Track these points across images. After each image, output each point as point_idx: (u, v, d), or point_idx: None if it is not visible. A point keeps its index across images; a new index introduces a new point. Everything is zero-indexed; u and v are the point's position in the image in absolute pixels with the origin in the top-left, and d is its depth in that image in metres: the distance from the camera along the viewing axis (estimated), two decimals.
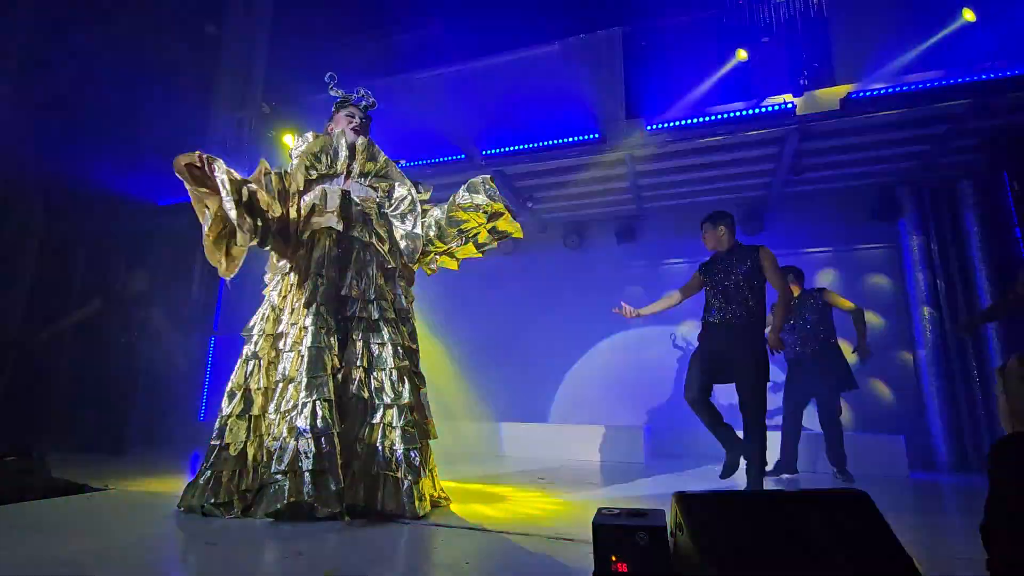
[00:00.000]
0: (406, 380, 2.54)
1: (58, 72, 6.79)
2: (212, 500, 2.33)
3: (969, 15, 3.85)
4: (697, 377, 3.44)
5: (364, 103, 3.06)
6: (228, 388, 2.53)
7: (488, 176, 2.77)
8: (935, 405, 5.18)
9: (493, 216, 2.81)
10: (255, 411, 2.47)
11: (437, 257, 3.05)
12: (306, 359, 2.41)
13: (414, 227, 2.86)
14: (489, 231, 2.89)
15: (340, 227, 2.66)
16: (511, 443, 5.82)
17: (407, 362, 2.60)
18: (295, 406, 2.37)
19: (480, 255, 3.07)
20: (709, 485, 3.61)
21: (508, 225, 2.90)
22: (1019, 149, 4.74)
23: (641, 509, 1.53)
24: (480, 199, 2.71)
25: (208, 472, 2.39)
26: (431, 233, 2.86)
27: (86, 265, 8.22)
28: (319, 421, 2.31)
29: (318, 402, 2.34)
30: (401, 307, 2.76)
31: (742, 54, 4.56)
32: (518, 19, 5.04)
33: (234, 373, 2.56)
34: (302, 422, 2.31)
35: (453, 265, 3.16)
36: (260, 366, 2.53)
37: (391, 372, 2.52)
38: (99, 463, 4.26)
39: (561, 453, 5.55)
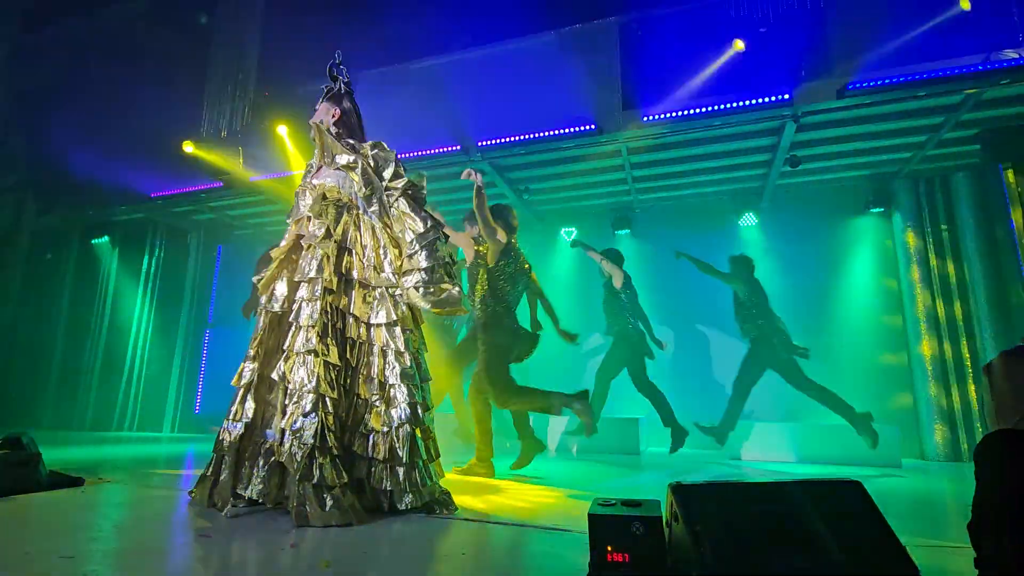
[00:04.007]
0: (315, 367, 2.28)
1: (47, 61, 6.70)
2: (226, 477, 2.34)
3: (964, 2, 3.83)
4: None
5: (330, 86, 2.89)
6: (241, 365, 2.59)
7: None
8: (927, 396, 5.22)
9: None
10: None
11: None
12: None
13: (385, 197, 2.61)
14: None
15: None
16: (507, 435, 5.81)
17: (318, 343, 2.32)
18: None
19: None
20: (704, 476, 3.63)
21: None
22: (1015, 141, 4.75)
23: (637, 500, 1.54)
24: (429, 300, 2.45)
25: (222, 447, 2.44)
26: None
27: (77, 257, 8.17)
28: (235, 411, 2.42)
29: (241, 390, 2.44)
30: (376, 280, 2.52)
31: (739, 44, 4.54)
32: (514, 9, 4.99)
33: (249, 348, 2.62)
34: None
35: None
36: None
37: (304, 357, 2.31)
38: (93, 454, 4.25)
39: (557, 445, 5.57)
